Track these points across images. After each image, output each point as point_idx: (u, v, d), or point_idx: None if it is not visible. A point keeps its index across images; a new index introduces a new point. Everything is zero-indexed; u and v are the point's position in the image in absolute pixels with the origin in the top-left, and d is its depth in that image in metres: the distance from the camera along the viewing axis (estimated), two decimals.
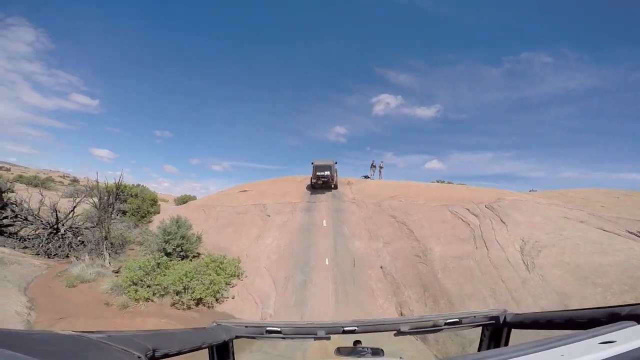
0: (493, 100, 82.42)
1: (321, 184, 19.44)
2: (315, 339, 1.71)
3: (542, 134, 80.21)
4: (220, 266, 11.20)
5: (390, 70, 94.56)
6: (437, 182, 28.11)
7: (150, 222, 20.03)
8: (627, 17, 60.98)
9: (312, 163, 20.10)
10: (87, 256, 11.96)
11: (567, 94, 69.25)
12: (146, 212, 21.04)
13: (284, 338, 1.73)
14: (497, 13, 70.57)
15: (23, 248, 13.57)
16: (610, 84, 65.71)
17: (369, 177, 25.17)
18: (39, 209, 16.00)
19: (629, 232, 11.95)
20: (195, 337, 1.32)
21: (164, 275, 9.98)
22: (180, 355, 1.10)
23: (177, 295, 9.45)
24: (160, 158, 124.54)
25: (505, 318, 1.75)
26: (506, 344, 1.73)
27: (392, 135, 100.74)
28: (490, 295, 8.41)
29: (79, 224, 15.98)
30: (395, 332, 1.76)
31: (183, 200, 33.83)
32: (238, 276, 11.44)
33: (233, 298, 10.32)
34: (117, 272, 10.98)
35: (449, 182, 27.72)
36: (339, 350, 2.09)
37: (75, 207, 16.04)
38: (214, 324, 1.68)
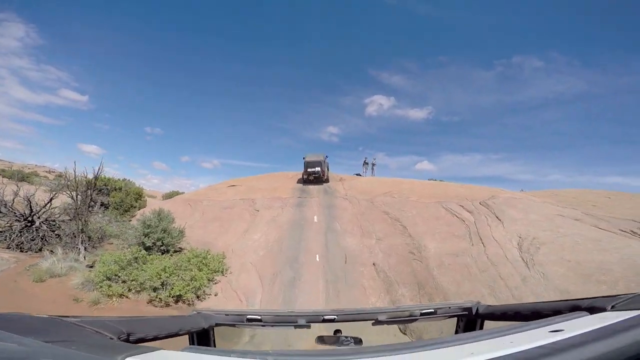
0: (484, 103, 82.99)
1: (312, 179, 19.51)
2: (296, 327, 1.71)
3: (531, 137, 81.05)
4: (203, 261, 10.52)
5: (383, 72, 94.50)
6: (430, 180, 27.79)
7: (133, 216, 19.17)
8: (616, 22, 61.87)
9: (304, 158, 20.06)
10: (59, 249, 11.14)
11: (556, 97, 69.99)
12: (129, 206, 20.17)
13: (264, 326, 1.73)
14: (490, 16, 70.95)
15: None
16: (598, 89, 66.65)
17: (360, 175, 24.74)
18: (13, 200, 15.07)
19: (623, 230, 11.72)
20: (173, 324, 1.31)
21: (142, 270, 9.28)
22: (162, 342, 1.05)
23: (154, 291, 8.76)
24: (150, 155, 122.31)
25: (477, 309, 1.78)
26: None
27: (384, 136, 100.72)
28: (489, 293, 7.95)
29: (56, 216, 15.09)
30: (373, 321, 1.80)
31: (170, 196, 32.82)
32: (222, 272, 10.77)
33: (216, 295, 9.65)
34: (92, 267, 10.22)
35: (441, 181, 27.45)
36: (321, 339, 2.05)
37: (52, 198, 15.14)
38: (194, 312, 1.69)
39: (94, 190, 14.49)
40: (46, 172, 62.29)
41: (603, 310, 1.07)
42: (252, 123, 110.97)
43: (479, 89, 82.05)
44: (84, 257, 11.24)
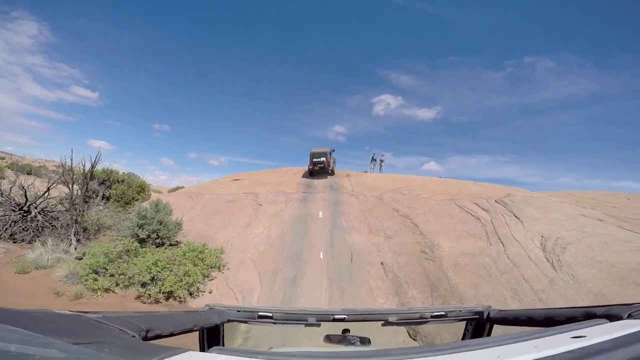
0: (494, 104, 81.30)
1: (318, 170, 19.60)
2: (306, 325, 1.71)
3: (541, 139, 79.09)
4: (199, 256, 9.81)
5: (392, 72, 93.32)
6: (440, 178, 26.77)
7: (135, 208, 18.65)
8: (629, 23, 59.53)
9: (311, 152, 19.99)
10: (49, 240, 10.59)
11: (568, 99, 67.92)
12: (131, 199, 19.62)
13: (274, 323, 1.72)
14: (501, 16, 69.16)
15: None
16: (612, 90, 64.41)
17: (367, 172, 23.90)
18: (10, 189, 14.63)
19: None
20: (187, 319, 1.32)
21: (132, 263, 8.62)
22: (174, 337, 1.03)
23: (142, 287, 8.09)
24: (158, 151, 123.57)
25: (489, 314, 1.76)
26: None
27: (391, 136, 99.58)
28: (512, 297, 7.08)
29: (53, 207, 14.61)
30: (383, 322, 1.78)
31: (176, 190, 32.42)
32: (219, 268, 10.05)
33: (210, 292, 8.93)
34: (81, 259, 9.62)
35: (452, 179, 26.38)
36: (329, 338, 2.03)
37: (49, 188, 14.68)
38: (207, 307, 1.69)
39: (90, 180, 13.96)
40: (55, 166, 62.77)
41: (620, 318, 1.05)
42: (259, 121, 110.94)
43: (488, 90, 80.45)
44: (75, 249, 10.66)
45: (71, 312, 0.81)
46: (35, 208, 13.88)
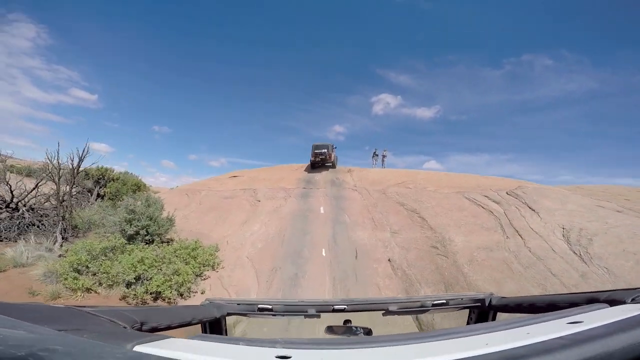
0: (493, 102, 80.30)
1: (319, 161, 19.91)
2: (306, 316, 1.71)
3: (541, 137, 78.09)
4: (192, 254, 9.06)
5: (390, 71, 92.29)
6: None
7: None
8: (627, 19, 58.50)
9: (312, 145, 20.41)
10: (32, 237, 9.86)
11: (567, 97, 66.96)
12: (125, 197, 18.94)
13: (274, 315, 1.71)
14: (499, 14, 68.28)
15: None
16: (610, 88, 63.43)
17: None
18: None
19: None
20: (185, 314, 1.30)
21: (117, 261, 7.88)
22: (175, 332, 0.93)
23: (128, 287, 7.34)
24: (159, 153, 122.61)
25: (491, 301, 1.72)
26: None
27: (391, 135, 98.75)
28: (542, 294, 6.31)
29: (42, 204, 13.91)
30: (384, 311, 1.78)
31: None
32: (213, 266, 9.29)
33: (203, 293, 8.16)
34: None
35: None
36: (331, 329, 1.93)
37: (37, 184, 13.98)
38: (207, 301, 1.67)
39: (79, 175, 13.25)
40: (54, 168, 62.16)
41: (622, 302, 1.00)
42: (259, 122, 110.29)
43: (487, 88, 79.56)
44: (61, 246, 9.93)
45: (64, 305, 0.80)
46: (24, 205, 13.20)
